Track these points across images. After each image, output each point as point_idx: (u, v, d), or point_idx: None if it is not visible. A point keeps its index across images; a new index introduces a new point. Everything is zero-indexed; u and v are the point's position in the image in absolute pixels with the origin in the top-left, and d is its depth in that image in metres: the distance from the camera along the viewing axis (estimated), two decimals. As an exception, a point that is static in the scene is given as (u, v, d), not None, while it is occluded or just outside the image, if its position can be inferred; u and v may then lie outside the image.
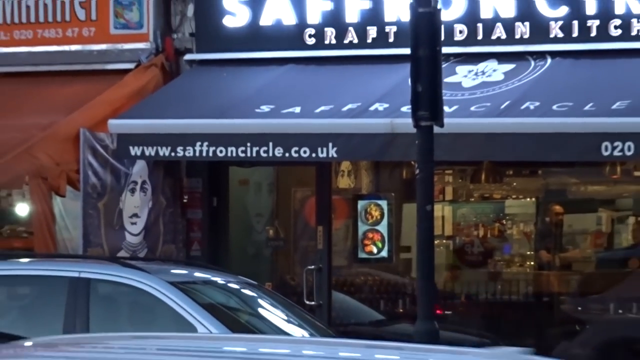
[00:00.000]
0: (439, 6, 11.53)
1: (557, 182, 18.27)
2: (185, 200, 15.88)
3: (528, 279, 18.62)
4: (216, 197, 16.14)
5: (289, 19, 15.83)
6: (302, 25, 15.62)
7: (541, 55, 14.46)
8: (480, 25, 15.16)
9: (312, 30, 15.62)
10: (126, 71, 15.58)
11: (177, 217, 15.94)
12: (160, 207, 15.40)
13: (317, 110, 13.95)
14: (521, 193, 19.02)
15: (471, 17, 15.15)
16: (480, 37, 14.81)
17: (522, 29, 14.96)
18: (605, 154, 12.63)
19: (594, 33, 14.81)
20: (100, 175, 14.55)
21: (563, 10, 14.72)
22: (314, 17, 15.92)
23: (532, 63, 14.29)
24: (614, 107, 13.05)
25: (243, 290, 11.70)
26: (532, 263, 18.73)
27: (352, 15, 15.61)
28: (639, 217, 18.22)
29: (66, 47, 16.60)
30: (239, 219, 17.21)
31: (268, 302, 11.56)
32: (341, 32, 15.53)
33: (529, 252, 18.67)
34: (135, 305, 10.96)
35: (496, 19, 15.11)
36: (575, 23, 14.87)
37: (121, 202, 14.72)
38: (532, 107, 13.21)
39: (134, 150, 14.49)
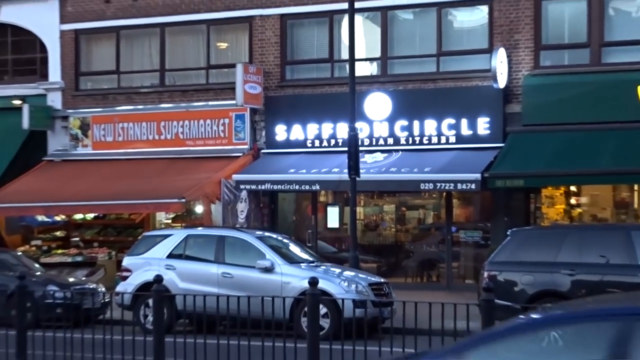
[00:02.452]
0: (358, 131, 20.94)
1: (404, 199, 26.50)
2: (261, 205, 25.58)
3: (394, 237, 26.52)
4: (273, 204, 26.07)
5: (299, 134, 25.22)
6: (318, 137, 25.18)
7: (396, 151, 24.00)
8: (373, 139, 24.11)
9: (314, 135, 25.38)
10: (238, 157, 25.49)
11: (258, 212, 25.56)
12: (252, 209, 25.08)
13: (313, 171, 23.83)
14: (390, 202, 26.83)
15: (370, 135, 24.03)
16: (373, 142, 24.12)
17: (390, 140, 24.16)
18: (422, 188, 23.22)
19: (417, 141, 24.01)
20: (228, 195, 24.46)
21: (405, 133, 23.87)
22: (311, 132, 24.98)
23: (393, 154, 23.91)
24: (425, 170, 22.71)
25: (284, 240, 20.95)
26: (394, 230, 26.67)
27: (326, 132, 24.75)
28: (432, 213, 26.45)
29: (213, 148, 25.96)
30: (282, 213, 26.56)
31: (294, 244, 21.05)
32: (322, 140, 25.01)
33: (394, 226, 26.66)
34: (242, 245, 19.61)
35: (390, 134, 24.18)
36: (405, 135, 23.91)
37: (237, 207, 24.80)
38: (393, 169, 23.17)
39: (243, 186, 24.50)
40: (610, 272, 16.74)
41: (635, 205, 24.16)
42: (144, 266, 19.41)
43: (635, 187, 23.74)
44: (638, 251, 16.59)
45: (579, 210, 24.36)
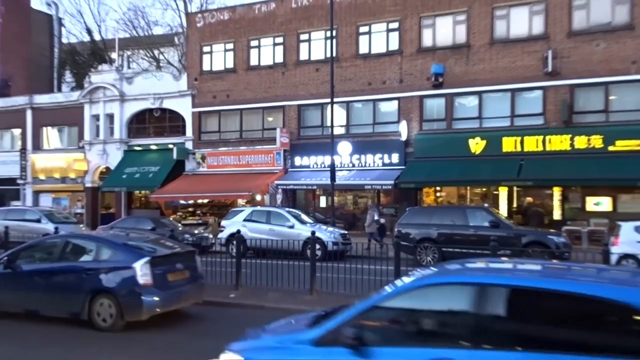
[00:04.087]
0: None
1: (357, 193, 24.88)
2: (288, 196, 24.82)
3: (352, 211, 25.06)
4: (294, 196, 25.34)
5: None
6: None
7: (353, 170, 23.33)
8: (342, 164, 23.28)
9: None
10: (277, 173, 24.71)
11: (286, 200, 24.79)
12: (283, 198, 24.62)
13: (313, 180, 23.45)
14: (350, 195, 25.24)
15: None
16: (342, 166, 23.19)
17: (350, 165, 23.94)
18: (366, 188, 22.86)
19: (363, 165, 23.35)
20: (272, 191, 24.46)
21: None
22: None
23: (352, 172, 23.30)
24: (367, 179, 22.38)
25: (299, 213, 20.22)
26: (352, 208, 25.22)
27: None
28: (370, 200, 24.05)
29: (265, 168, 25.10)
30: (298, 201, 25.55)
31: (304, 215, 20.23)
32: (317, 165, 24.41)
33: (352, 206, 25.24)
34: (278, 215, 19.11)
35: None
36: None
37: (276, 197, 24.58)
38: (352, 179, 22.72)
39: (279, 187, 24.32)
40: (455, 229, 16.83)
41: (468, 197, 23.38)
42: (231, 225, 19.27)
43: (468, 188, 23.20)
44: (469, 219, 16.82)
45: (440, 199, 23.87)
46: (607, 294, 3.85)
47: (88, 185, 28.76)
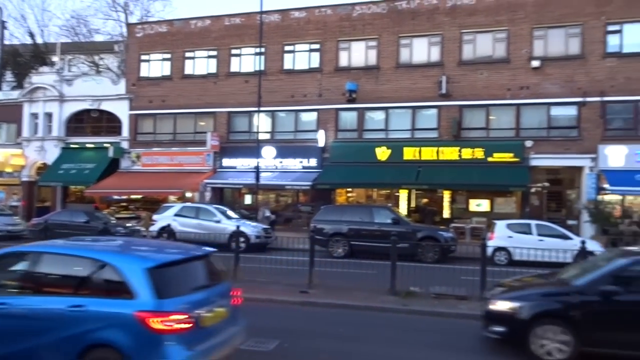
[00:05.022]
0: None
1: (279, 192, 24.13)
2: (216, 194, 23.35)
3: (274, 209, 23.66)
4: (221, 194, 23.88)
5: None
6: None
7: (276, 171, 22.61)
8: (266, 166, 22.50)
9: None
10: (207, 172, 23.68)
11: (214, 197, 23.03)
12: (212, 195, 23.05)
13: (239, 180, 22.37)
14: (272, 194, 24.27)
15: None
16: (266, 167, 22.43)
17: (273, 167, 22.81)
18: (286, 188, 22.12)
19: (285, 168, 22.60)
20: (202, 189, 23.27)
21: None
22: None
23: (274, 173, 22.58)
24: (288, 180, 22.06)
25: (225, 209, 19.56)
26: (274, 206, 23.97)
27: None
28: (291, 199, 23.63)
29: (196, 167, 23.83)
30: (226, 198, 24.15)
31: (230, 210, 19.46)
32: (243, 166, 23.31)
33: (274, 204, 24.11)
34: (207, 210, 19.50)
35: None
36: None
37: (205, 194, 23.16)
38: (274, 179, 22.04)
39: (209, 185, 23.09)
40: (363, 225, 16.75)
41: (374, 197, 23.32)
42: (163, 219, 18.59)
43: (374, 190, 23.19)
44: (375, 216, 16.85)
45: (351, 199, 23.66)
46: (94, 255, 5.14)
47: (25, 179, 26.98)
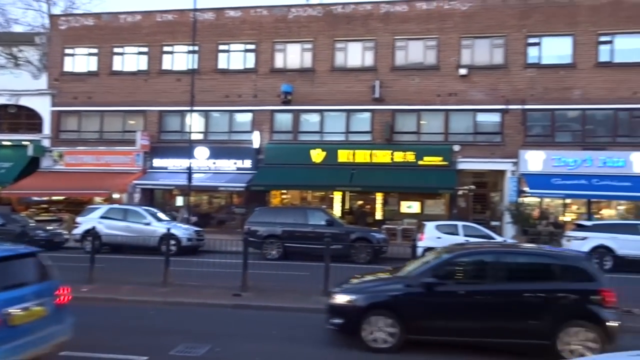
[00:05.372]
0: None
1: (212, 194, 23.40)
2: (146, 196, 22.94)
3: (207, 211, 23.54)
4: (152, 195, 23.33)
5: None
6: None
7: (209, 172, 22.30)
8: (198, 167, 22.13)
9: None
10: (136, 173, 23.10)
11: (144, 199, 22.43)
12: (141, 197, 22.54)
13: (171, 181, 21.91)
14: (205, 195, 23.74)
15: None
16: (198, 168, 21.98)
17: (206, 168, 22.89)
18: (220, 189, 22.36)
19: (219, 169, 22.26)
20: (131, 190, 22.83)
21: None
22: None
23: (208, 174, 22.23)
24: (222, 181, 22.62)
25: (155, 211, 19.37)
26: (207, 207, 23.81)
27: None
28: (225, 200, 23.06)
29: (125, 168, 23.25)
30: (156, 200, 23.60)
31: (160, 213, 19.14)
32: (175, 167, 22.95)
33: (207, 205, 23.75)
34: (136, 212, 20.50)
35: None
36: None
37: (134, 196, 22.81)
38: (208, 181, 21.57)
39: (138, 186, 22.62)
40: (297, 227, 16.71)
41: (309, 199, 23.39)
42: (87, 222, 17.91)
43: (309, 191, 23.18)
44: (309, 218, 16.92)
45: (285, 200, 23.59)
46: None
47: None
